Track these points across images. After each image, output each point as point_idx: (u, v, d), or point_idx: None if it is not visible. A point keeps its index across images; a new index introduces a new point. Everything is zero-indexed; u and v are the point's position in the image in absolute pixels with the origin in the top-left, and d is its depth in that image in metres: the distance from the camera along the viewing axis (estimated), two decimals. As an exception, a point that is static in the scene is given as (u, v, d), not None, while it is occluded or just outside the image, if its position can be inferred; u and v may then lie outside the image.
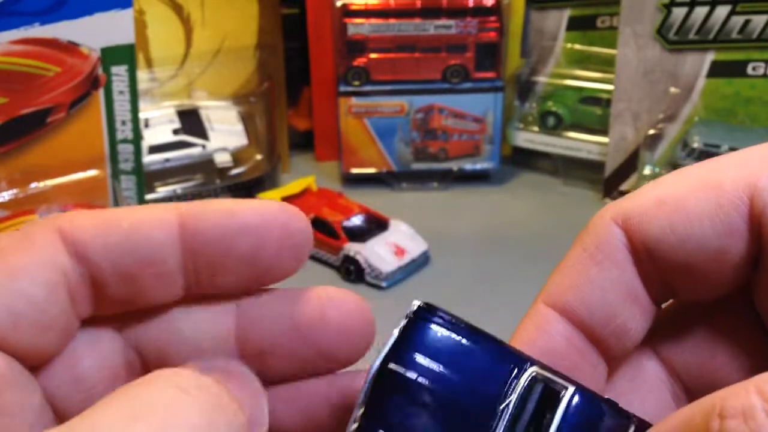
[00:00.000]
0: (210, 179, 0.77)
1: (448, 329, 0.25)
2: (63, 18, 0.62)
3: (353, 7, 0.77)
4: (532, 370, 0.25)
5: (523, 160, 0.86)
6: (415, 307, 0.25)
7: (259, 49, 0.82)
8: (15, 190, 0.66)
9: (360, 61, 0.79)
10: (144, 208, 0.27)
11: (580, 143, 0.83)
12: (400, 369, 0.24)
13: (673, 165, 0.76)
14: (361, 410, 0.24)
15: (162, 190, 0.75)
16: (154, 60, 0.79)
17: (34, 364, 0.26)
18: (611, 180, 0.81)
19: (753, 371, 0.28)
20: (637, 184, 0.78)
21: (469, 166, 0.82)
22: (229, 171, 0.77)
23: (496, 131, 0.81)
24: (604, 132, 0.80)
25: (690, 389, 0.32)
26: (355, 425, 0.24)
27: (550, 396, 0.25)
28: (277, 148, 0.82)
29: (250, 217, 0.26)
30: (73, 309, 0.26)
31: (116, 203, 0.69)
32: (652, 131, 0.77)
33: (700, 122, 0.75)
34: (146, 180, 0.72)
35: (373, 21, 0.77)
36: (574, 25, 0.84)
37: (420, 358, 0.24)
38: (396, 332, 0.25)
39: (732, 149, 0.73)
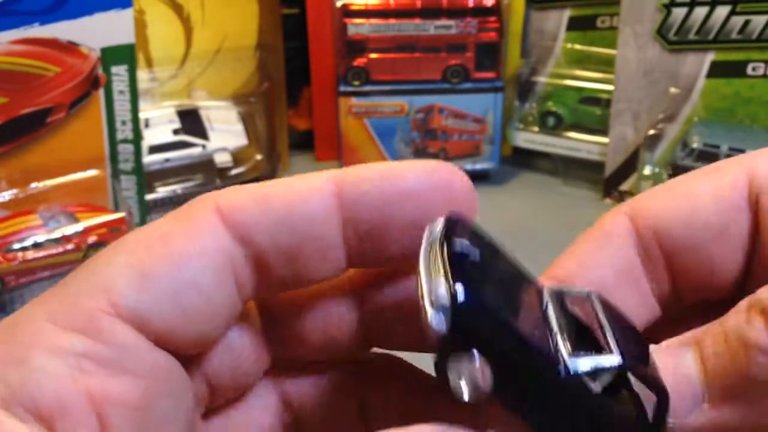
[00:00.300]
0: (210, 179, 0.77)
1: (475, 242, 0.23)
2: (63, 18, 0.62)
3: (353, 7, 0.77)
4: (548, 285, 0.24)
5: (523, 160, 0.86)
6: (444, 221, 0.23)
7: (259, 49, 0.82)
8: (15, 190, 0.66)
9: (360, 61, 0.79)
10: (299, 180, 0.25)
11: (580, 143, 0.83)
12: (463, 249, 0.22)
13: (673, 165, 0.76)
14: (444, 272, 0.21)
15: (162, 190, 0.75)
16: (154, 60, 0.79)
17: (196, 352, 0.25)
18: (611, 180, 0.81)
19: None
20: (637, 184, 0.78)
21: (469, 166, 0.82)
22: (229, 171, 0.77)
23: (496, 131, 0.81)
24: (604, 132, 0.80)
25: None
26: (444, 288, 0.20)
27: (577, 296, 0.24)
28: (277, 148, 0.82)
29: (412, 181, 0.25)
30: (239, 294, 0.25)
31: (116, 203, 0.69)
32: (652, 131, 0.77)
33: (699, 122, 0.75)
34: (146, 180, 0.72)
35: (373, 21, 0.77)
36: (574, 25, 0.84)
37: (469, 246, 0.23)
38: (440, 222, 0.23)
39: (732, 149, 0.73)
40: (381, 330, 0.27)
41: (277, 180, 0.26)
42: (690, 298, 0.29)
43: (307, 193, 0.25)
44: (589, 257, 0.28)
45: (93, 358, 0.22)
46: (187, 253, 0.23)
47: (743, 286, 0.28)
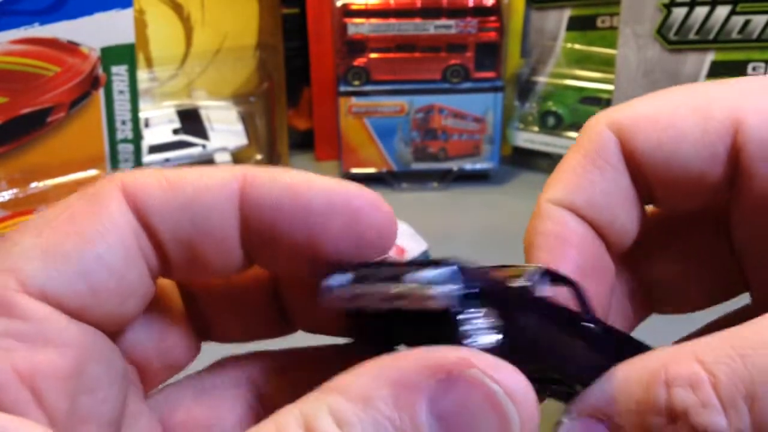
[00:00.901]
0: (210, 179, 0.77)
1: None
2: (63, 18, 0.62)
3: (353, 7, 0.77)
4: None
5: (523, 160, 0.86)
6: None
7: (259, 49, 0.82)
8: (15, 190, 0.66)
9: (360, 61, 0.79)
10: (210, 172, 0.25)
11: (580, 143, 0.83)
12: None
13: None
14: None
15: (162, 190, 0.75)
16: (154, 60, 0.79)
17: (116, 330, 0.25)
18: (611, 180, 0.81)
19: (718, 291, 0.32)
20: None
21: (468, 165, 0.82)
22: (229, 171, 0.77)
23: (496, 131, 0.81)
24: (604, 132, 0.80)
25: (657, 301, 0.33)
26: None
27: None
28: (277, 148, 0.82)
29: (309, 196, 0.25)
30: (150, 273, 0.25)
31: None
32: (652, 131, 0.77)
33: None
34: (146, 180, 0.72)
35: (373, 21, 0.77)
36: (574, 25, 0.84)
37: None
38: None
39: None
40: (300, 314, 0.28)
41: (191, 169, 0.25)
42: (667, 209, 0.31)
43: (212, 185, 0.25)
44: (591, 181, 0.29)
45: (13, 335, 0.22)
46: (96, 232, 0.23)
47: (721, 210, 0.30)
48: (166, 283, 0.27)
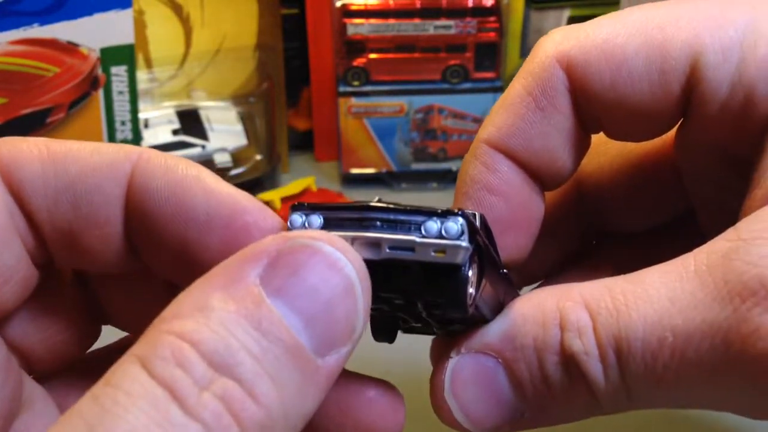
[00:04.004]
0: (210, 179, 0.77)
1: None
2: (62, 18, 0.62)
3: (353, 8, 0.77)
4: None
5: (523, 160, 0.86)
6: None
7: (258, 49, 0.82)
8: (14, 191, 0.66)
9: (360, 62, 0.79)
10: (102, 148, 0.23)
11: (580, 143, 0.83)
12: None
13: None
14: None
15: (162, 191, 0.75)
16: (153, 60, 0.79)
17: None
18: (611, 180, 0.81)
19: (662, 210, 0.33)
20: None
21: (468, 166, 0.82)
22: (229, 171, 0.77)
23: (495, 131, 0.81)
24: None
25: (604, 221, 0.34)
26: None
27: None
28: (277, 149, 0.82)
29: (198, 199, 0.23)
30: (30, 255, 0.23)
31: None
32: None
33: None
34: (146, 180, 0.72)
35: (373, 21, 0.77)
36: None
37: None
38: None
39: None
40: None
41: (82, 142, 0.23)
42: (616, 137, 0.31)
43: (100, 165, 0.22)
44: (531, 123, 0.29)
45: None
46: None
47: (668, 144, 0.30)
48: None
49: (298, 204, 0.23)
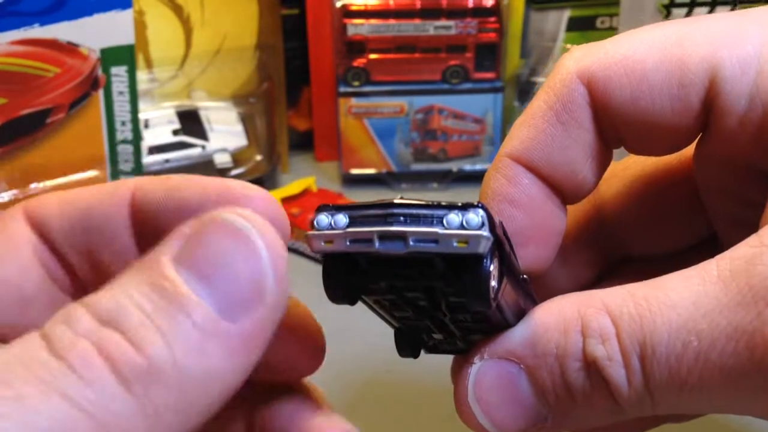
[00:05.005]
0: (210, 180, 0.76)
1: None
2: (62, 19, 0.62)
3: (353, 8, 0.77)
4: None
5: (523, 160, 0.86)
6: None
7: (259, 49, 0.82)
8: (15, 191, 0.66)
9: (360, 62, 0.79)
10: (103, 187, 0.27)
11: (580, 144, 0.83)
12: None
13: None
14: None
15: (162, 191, 0.75)
16: (153, 60, 0.79)
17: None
18: (611, 180, 0.81)
19: (684, 233, 0.33)
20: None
21: (468, 166, 0.82)
22: (229, 172, 0.77)
23: (496, 132, 0.81)
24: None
25: (623, 245, 0.34)
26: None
27: None
28: (277, 149, 0.82)
29: (191, 194, 0.25)
30: (55, 282, 0.26)
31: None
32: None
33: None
34: (146, 180, 0.72)
35: (373, 21, 0.77)
36: (573, 25, 0.84)
37: None
38: None
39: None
40: None
41: (88, 187, 0.27)
42: (636, 152, 0.31)
43: (102, 196, 0.26)
44: (553, 137, 0.29)
45: None
46: None
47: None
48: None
49: (323, 205, 0.24)
